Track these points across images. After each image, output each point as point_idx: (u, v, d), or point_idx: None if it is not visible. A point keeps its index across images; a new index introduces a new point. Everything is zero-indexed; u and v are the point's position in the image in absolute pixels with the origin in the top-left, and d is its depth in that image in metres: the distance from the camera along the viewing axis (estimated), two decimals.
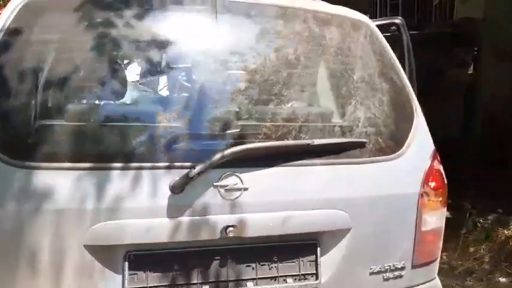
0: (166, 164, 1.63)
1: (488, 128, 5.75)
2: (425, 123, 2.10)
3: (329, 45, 2.02)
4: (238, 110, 1.77)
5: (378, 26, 3.86)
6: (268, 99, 1.84)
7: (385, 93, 2.01)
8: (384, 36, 3.70)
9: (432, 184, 1.99)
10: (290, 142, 1.76)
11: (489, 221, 4.60)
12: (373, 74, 2.03)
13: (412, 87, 3.69)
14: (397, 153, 1.93)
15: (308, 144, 1.75)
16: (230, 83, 1.84)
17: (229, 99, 1.80)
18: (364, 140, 1.87)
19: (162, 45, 1.81)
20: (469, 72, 5.94)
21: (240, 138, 1.73)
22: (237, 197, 1.67)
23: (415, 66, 3.76)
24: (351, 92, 1.96)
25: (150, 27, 1.84)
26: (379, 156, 1.89)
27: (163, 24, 1.84)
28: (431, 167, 2.00)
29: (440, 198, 2.05)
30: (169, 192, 1.61)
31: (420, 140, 2.02)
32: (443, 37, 5.79)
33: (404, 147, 1.95)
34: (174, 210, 1.63)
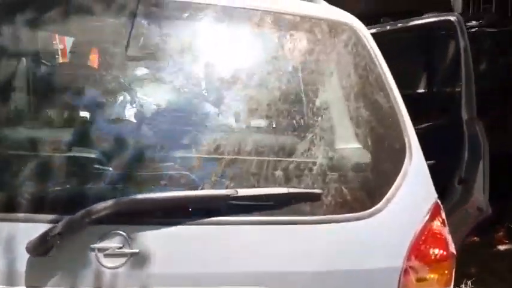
0: (31, 215, 1.25)
1: None
2: (424, 166, 1.51)
3: (289, 58, 1.52)
4: (140, 140, 1.34)
5: (427, 24, 3.23)
6: (188, 130, 1.39)
7: (363, 123, 1.46)
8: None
9: (427, 255, 1.41)
10: (201, 192, 1.30)
11: None
12: (348, 96, 1.49)
13: (469, 101, 3.04)
14: (371, 209, 1.37)
15: (229, 196, 1.28)
16: (143, 105, 1.42)
17: (135, 127, 1.38)
18: (317, 190, 1.35)
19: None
20: None
21: (139, 183, 1.30)
22: (121, 265, 1.25)
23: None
24: (309, 121, 1.44)
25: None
26: (340, 213, 1.35)
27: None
28: (426, 229, 1.42)
29: (445, 271, 1.45)
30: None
31: (412, 190, 1.44)
32: None
33: (382, 201, 1.39)
34: (35, 279, 1.24)
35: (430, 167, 3.26)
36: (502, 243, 4.31)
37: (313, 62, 1.52)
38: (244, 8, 1.53)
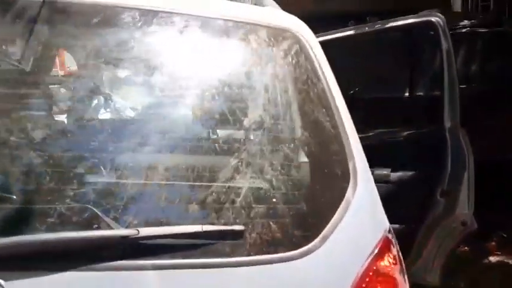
0: None
1: None
2: (373, 194, 1.30)
3: (216, 69, 1.31)
4: (27, 167, 1.14)
5: (407, 25, 3.01)
6: (85, 156, 1.18)
7: (299, 147, 1.25)
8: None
9: None
10: (93, 233, 1.09)
11: None
12: (284, 115, 1.28)
13: (453, 107, 2.82)
14: (304, 248, 1.16)
15: (126, 237, 1.08)
16: (32, 125, 1.20)
17: (20, 153, 1.17)
18: (238, 227, 1.14)
19: None
20: None
21: (23, 221, 1.10)
22: None
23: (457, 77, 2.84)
24: (235, 145, 1.23)
25: None
26: (266, 253, 1.15)
27: None
28: (371, 268, 1.21)
29: None
30: None
31: (355, 224, 1.23)
32: None
33: (318, 238, 1.18)
34: None
35: (411, 178, 3.03)
36: (494, 255, 4.07)
37: (243, 74, 1.32)
38: (166, 12, 1.33)
